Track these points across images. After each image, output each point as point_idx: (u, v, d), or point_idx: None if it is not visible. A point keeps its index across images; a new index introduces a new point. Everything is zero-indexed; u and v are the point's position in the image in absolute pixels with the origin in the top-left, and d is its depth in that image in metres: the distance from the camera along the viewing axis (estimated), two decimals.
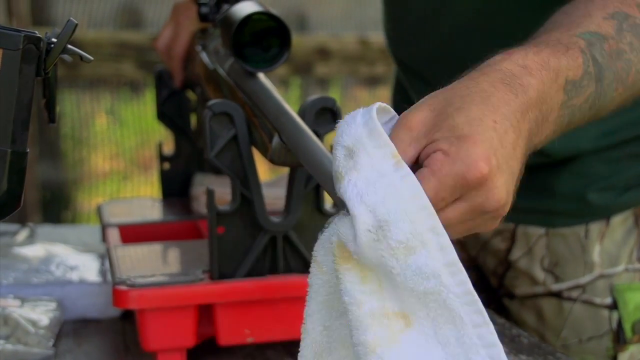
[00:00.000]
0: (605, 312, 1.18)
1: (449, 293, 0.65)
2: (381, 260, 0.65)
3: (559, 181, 1.18)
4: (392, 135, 0.68)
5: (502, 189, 0.68)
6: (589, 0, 0.88)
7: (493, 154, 0.67)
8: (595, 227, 1.18)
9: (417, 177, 0.65)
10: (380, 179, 0.65)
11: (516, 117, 0.70)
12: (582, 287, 1.19)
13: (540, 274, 1.21)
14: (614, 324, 1.18)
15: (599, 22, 0.84)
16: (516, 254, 1.23)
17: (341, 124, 0.67)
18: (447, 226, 0.66)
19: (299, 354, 0.72)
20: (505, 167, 0.68)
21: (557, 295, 1.20)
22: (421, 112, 0.69)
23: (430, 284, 0.65)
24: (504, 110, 0.69)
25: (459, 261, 0.65)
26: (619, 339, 1.18)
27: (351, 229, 0.66)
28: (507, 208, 0.70)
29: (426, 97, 0.70)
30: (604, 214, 1.18)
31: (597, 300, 1.19)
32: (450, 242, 0.65)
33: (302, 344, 0.72)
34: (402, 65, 1.33)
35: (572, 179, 1.18)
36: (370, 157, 0.66)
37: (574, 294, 1.19)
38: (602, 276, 1.19)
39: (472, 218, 0.69)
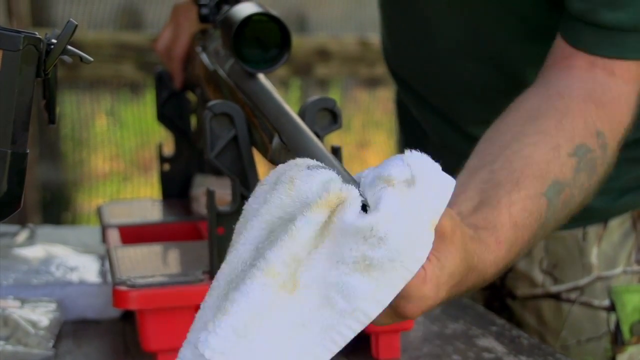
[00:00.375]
0: (604, 314, 1.19)
1: (337, 325, 0.66)
2: (344, 251, 0.66)
3: None
4: None
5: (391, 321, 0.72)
6: (560, 115, 0.93)
7: (431, 306, 0.71)
8: (593, 230, 1.19)
9: None
10: (414, 218, 0.66)
11: (467, 289, 0.79)
12: (581, 289, 1.19)
13: (539, 276, 1.21)
14: (612, 326, 1.18)
15: (563, 162, 0.90)
16: None
17: (425, 160, 0.68)
18: None
19: (213, 281, 0.69)
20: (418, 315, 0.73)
21: (556, 297, 1.21)
22: (449, 229, 0.71)
23: (339, 303, 0.66)
24: (470, 285, 0.79)
25: (370, 320, 0.67)
26: (617, 340, 1.18)
27: (358, 206, 0.66)
28: None
29: (459, 220, 0.74)
30: (602, 216, 1.19)
31: (595, 302, 1.19)
32: (387, 304, 0.66)
33: (224, 262, 0.70)
34: (395, 77, 1.34)
35: None
36: (420, 201, 0.67)
37: (573, 295, 1.20)
38: (600, 278, 1.19)
39: None
